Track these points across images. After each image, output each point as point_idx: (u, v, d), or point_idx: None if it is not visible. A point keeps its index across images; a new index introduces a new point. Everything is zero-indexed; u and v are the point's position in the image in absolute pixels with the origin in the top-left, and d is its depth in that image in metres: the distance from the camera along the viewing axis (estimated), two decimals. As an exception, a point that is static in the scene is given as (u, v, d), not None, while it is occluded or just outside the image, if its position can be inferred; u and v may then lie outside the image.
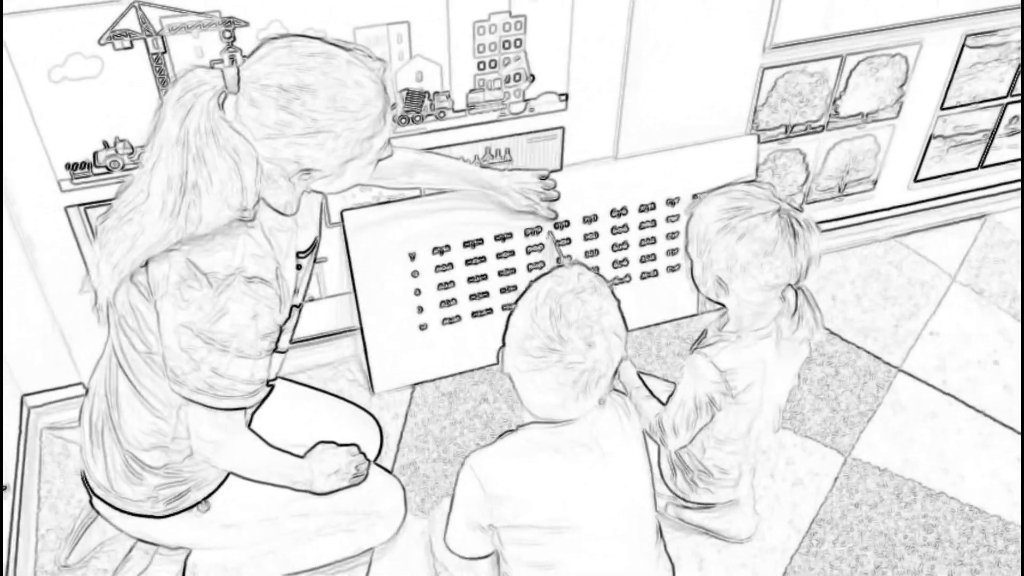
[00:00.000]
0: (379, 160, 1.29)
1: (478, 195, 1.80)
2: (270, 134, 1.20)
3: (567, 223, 1.93)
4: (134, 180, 1.23)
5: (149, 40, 1.47)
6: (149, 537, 1.49)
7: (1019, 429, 1.96)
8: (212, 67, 1.19)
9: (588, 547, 1.35)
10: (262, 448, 1.38)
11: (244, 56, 1.22)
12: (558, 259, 1.85)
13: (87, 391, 1.46)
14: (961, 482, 1.86)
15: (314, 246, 1.44)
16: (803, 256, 1.42)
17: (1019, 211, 2.47)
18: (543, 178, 1.80)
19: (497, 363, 1.34)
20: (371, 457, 1.66)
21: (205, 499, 1.45)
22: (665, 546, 1.51)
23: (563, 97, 1.82)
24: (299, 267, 1.41)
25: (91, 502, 1.47)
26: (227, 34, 1.51)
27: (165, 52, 1.49)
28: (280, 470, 1.42)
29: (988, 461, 1.91)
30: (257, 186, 1.22)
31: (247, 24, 1.51)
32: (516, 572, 1.39)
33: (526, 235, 1.92)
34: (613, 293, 1.31)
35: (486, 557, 1.43)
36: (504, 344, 1.32)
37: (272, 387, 1.46)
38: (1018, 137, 2.34)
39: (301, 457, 1.45)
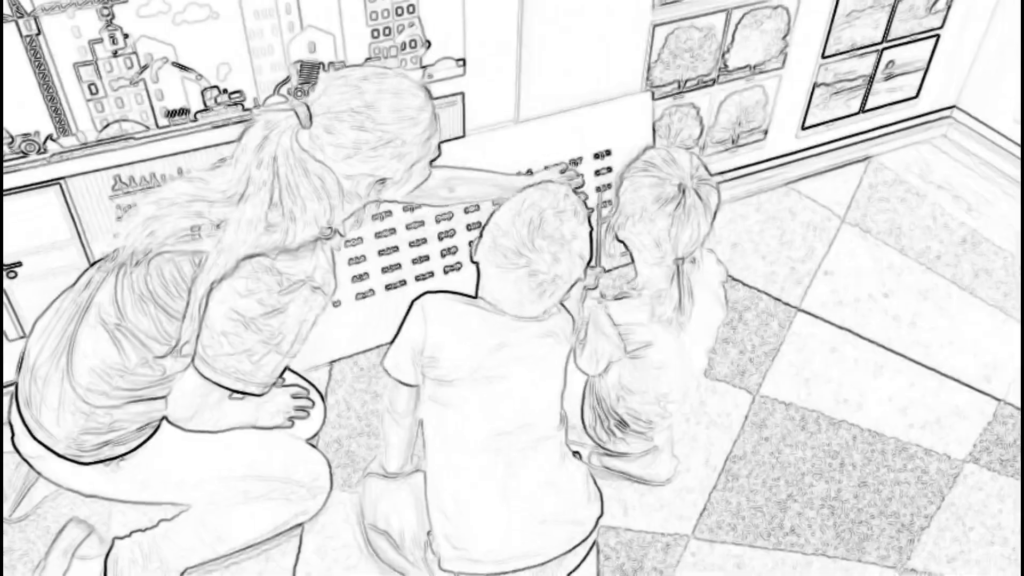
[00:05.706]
0: (432, 160, 1.45)
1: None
2: (348, 154, 1.35)
3: (473, 189, 1.94)
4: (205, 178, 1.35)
5: (21, 22, 1.40)
6: (65, 483, 1.49)
7: (917, 360, 2.10)
8: (279, 108, 1.34)
9: (487, 407, 1.46)
10: (227, 413, 1.49)
11: (301, 96, 1.44)
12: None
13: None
14: (860, 410, 1.99)
15: None
16: (678, 231, 1.54)
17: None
18: (568, 176, 1.87)
19: (470, 251, 1.46)
20: (315, 429, 1.74)
21: (119, 457, 1.45)
22: (595, 481, 1.57)
23: (461, 62, 1.82)
24: None
25: (12, 440, 1.46)
26: (105, 11, 1.44)
27: (40, 34, 1.42)
28: (231, 422, 1.53)
29: (883, 388, 2.03)
30: (342, 206, 1.38)
31: (126, 1, 1.45)
32: (426, 414, 1.50)
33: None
34: (589, 220, 1.43)
35: (411, 386, 1.54)
36: (481, 236, 1.44)
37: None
38: (895, 80, 2.47)
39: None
